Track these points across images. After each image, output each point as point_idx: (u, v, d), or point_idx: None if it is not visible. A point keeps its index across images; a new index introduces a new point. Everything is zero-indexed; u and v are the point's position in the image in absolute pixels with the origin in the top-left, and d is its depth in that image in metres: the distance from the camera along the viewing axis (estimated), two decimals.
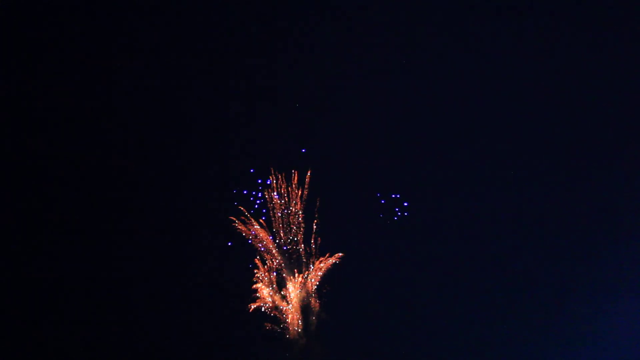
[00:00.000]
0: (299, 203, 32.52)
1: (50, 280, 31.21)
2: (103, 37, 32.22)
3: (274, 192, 32.45)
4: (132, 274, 31.84)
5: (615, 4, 31.78)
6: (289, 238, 32.53)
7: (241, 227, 32.22)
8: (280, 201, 32.51)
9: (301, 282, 32.29)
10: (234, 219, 32.17)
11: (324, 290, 32.35)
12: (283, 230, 32.51)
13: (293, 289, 32.25)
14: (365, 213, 33.19)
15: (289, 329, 32.08)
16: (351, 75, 33.86)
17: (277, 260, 32.38)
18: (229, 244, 32.21)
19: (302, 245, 32.48)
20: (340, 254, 32.27)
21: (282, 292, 32.31)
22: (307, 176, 32.55)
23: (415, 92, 33.54)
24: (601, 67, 32.24)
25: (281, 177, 32.46)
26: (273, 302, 32.12)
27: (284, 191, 32.56)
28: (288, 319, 32.10)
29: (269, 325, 31.99)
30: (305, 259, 32.43)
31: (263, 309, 32.00)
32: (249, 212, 32.25)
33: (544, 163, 33.35)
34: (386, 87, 33.59)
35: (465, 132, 33.76)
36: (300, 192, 32.53)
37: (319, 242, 32.37)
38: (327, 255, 32.35)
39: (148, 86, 32.68)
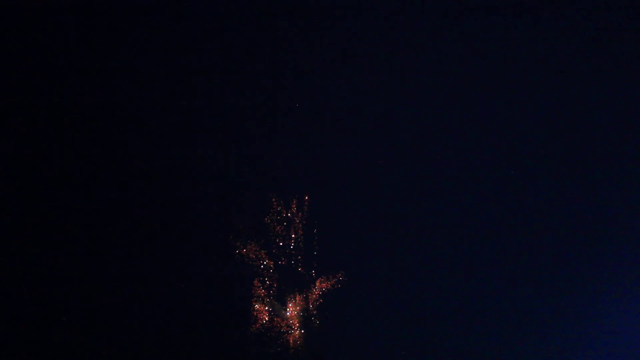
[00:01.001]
0: (300, 228, 32.71)
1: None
2: (104, 39, 31.90)
3: (274, 215, 32.58)
4: (125, 292, 30.94)
5: (616, 4, 32.79)
6: (289, 259, 32.52)
7: (241, 247, 32.08)
8: (280, 224, 32.63)
9: (301, 302, 32.21)
10: (231, 237, 32.08)
11: (324, 314, 32.26)
12: (283, 251, 32.58)
13: (293, 310, 32.07)
14: (365, 233, 33.15)
15: (289, 350, 31.81)
16: (347, 98, 33.81)
17: (277, 281, 32.28)
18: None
19: (302, 267, 32.49)
20: (342, 272, 32.36)
21: (282, 313, 32.02)
22: (306, 201, 32.91)
23: (413, 118, 33.76)
24: (604, 68, 32.87)
25: (280, 202, 32.68)
26: (273, 323, 31.83)
27: (283, 214, 32.73)
28: (289, 339, 31.84)
29: (269, 347, 31.67)
30: (306, 280, 32.42)
31: (263, 331, 31.71)
32: (249, 233, 32.27)
33: (544, 163, 33.45)
34: (383, 111, 33.76)
35: (467, 150, 33.84)
36: (300, 216, 32.81)
37: (319, 263, 32.51)
38: (328, 274, 32.38)
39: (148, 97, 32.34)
